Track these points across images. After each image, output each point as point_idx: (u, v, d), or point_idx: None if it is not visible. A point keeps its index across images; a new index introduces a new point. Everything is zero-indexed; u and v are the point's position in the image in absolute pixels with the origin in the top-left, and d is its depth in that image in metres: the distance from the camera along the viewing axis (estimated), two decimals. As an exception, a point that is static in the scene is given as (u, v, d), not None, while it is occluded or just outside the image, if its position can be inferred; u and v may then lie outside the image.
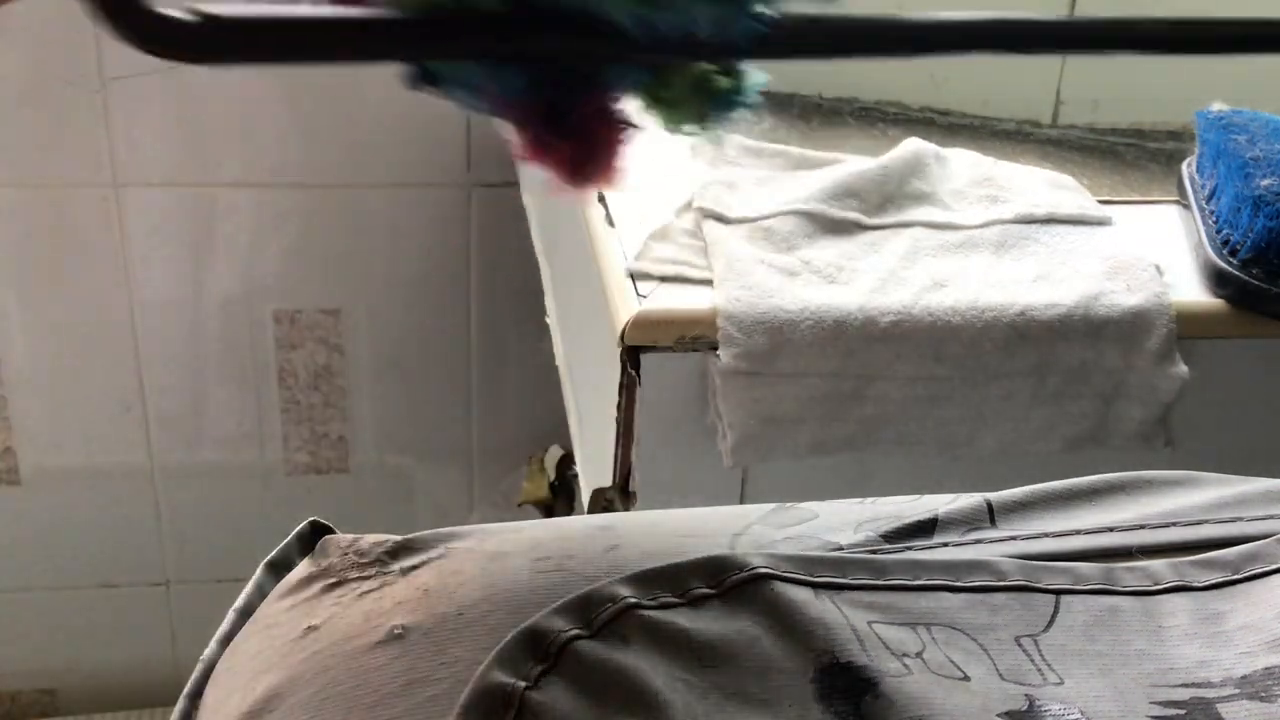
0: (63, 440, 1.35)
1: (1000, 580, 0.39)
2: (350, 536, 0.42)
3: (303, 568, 0.41)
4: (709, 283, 0.64)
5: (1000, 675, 0.36)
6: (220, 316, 1.35)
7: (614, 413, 0.64)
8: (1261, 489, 0.45)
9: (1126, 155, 0.85)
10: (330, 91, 1.25)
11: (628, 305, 0.63)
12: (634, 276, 0.65)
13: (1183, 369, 0.64)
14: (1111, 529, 0.43)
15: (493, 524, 0.43)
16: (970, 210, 0.71)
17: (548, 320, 0.95)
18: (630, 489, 0.66)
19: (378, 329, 1.39)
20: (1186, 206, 0.74)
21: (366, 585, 0.40)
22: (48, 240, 1.25)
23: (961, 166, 0.75)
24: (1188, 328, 0.65)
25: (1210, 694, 0.36)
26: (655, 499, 0.65)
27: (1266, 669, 0.37)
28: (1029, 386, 0.65)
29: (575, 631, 0.34)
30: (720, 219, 0.68)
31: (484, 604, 0.37)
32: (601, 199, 0.71)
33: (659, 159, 0.75)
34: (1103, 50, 0.36)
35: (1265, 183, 0.66)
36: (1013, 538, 0.42)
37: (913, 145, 0.73)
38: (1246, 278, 0.66)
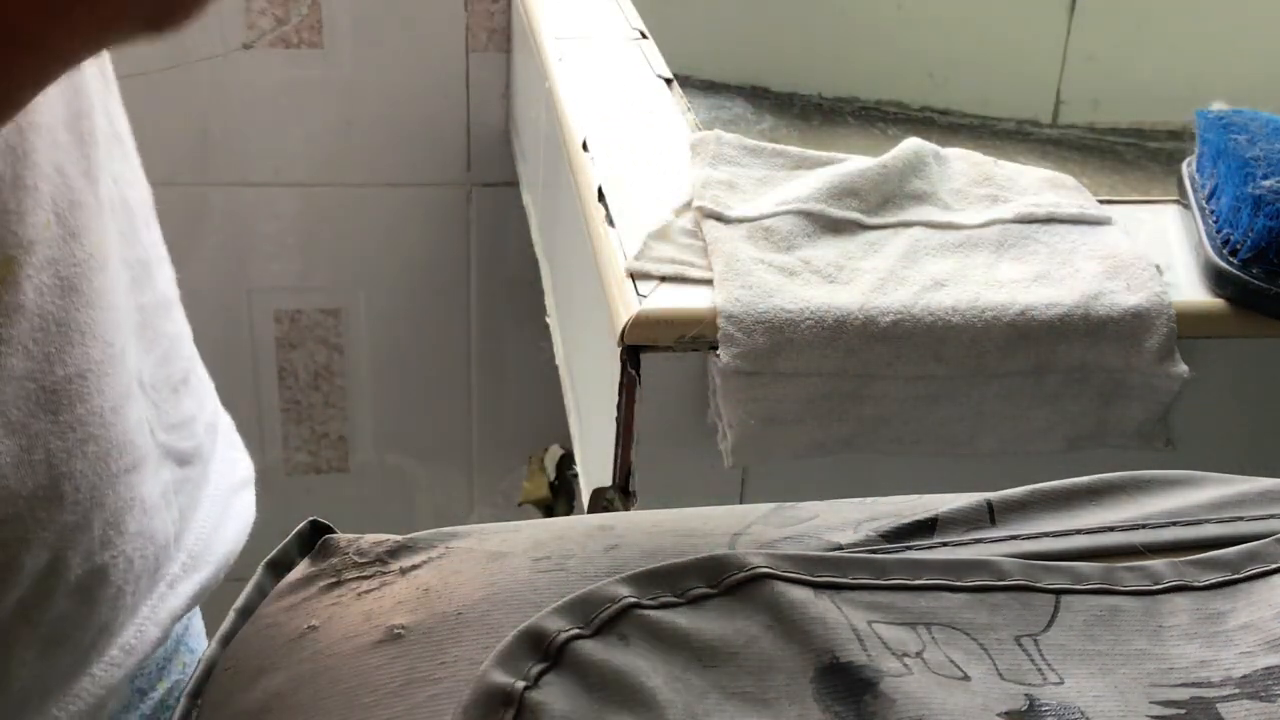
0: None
1: (1000, 580, 0.39)
2: (350, 536, 0.42)
3: (302, 567, 0.41)
4: (709, 282, 0.64)
5: (1000, 675, 0.36)
6: (220, 316, 1.35)
7: (614, 413, 0.64)
8: (1261, 489, 0.45)
9: (1126, 155, 0.85)
10: (331, 91, 1.25)
11: (628, 305, 0.63)
12: (634, 276, 0.65)
13: (1183, 369, 0.64)
14: (1111, 529, 0.43)
15: (493, 524, 0.43)
16: (970, 210, 0.71)
17: (548, 320, 0.95)
18: (630, 489, 0.66)
19: (378, 329, 1.39)
20: (1186, 206, 0.74)
21: (366, 585, 0.40)
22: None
23: (961, 166, 0.75)
24: (1188, 328, 0.65)
25: (1210, 694, 0.36)
26: (655, 499, 0.65)
27: (1266, 669, 0.37)
28: (1029, 386, 0.65)
29: (575, 631, 0.34)
30: (720, 219, 0.68)
31: (484, 604, 0.37)
32: (601, 198, 0.71)
33: (659, 159, 0.75)
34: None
35: (1266, 183, 0.66)
36: (1013, 538, 0.42)
37: (913, 145, 0.73)
38: (1246, 278, 0.66)
